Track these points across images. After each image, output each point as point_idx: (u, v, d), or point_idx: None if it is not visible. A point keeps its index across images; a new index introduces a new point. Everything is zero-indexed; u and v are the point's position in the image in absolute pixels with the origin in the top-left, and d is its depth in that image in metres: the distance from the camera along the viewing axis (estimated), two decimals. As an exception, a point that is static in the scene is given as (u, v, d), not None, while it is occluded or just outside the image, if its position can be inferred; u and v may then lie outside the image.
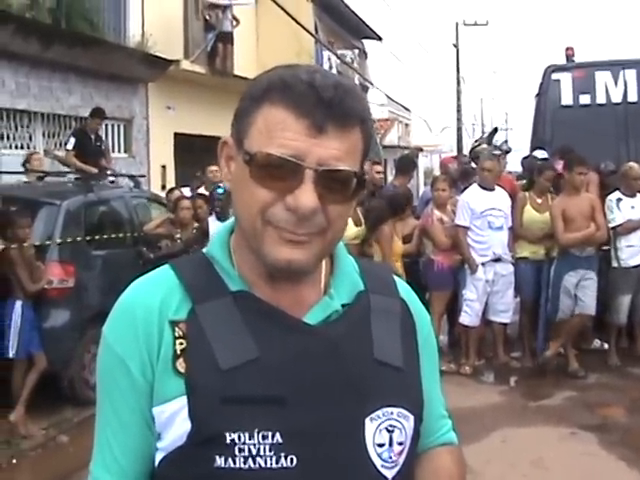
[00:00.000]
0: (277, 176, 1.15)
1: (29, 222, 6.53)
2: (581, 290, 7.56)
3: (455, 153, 24.46)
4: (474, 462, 5.28)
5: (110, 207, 8.25)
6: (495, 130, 11.53)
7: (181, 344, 1.19)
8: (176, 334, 1.20)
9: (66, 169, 9.72)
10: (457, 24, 34.09)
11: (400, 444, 1.24)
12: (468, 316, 7.89)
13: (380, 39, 28.12)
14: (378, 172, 8.93)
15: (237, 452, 1.13)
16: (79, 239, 7.11)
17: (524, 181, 9.26)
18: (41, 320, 6.54)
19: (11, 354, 6.27)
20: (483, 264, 7.77)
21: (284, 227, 1.16)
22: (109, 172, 9.75)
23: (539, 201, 8.03)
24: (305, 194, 1.14)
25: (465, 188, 8.32)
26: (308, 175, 1.14)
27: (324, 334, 1.22)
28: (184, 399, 1.17)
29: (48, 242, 6.81)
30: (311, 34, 17.35)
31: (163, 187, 13.87)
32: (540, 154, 9.05)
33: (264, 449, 1.14)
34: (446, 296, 7.98)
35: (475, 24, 34.76)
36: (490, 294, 7.88)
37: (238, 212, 1.23)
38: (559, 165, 8.20)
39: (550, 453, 5.61)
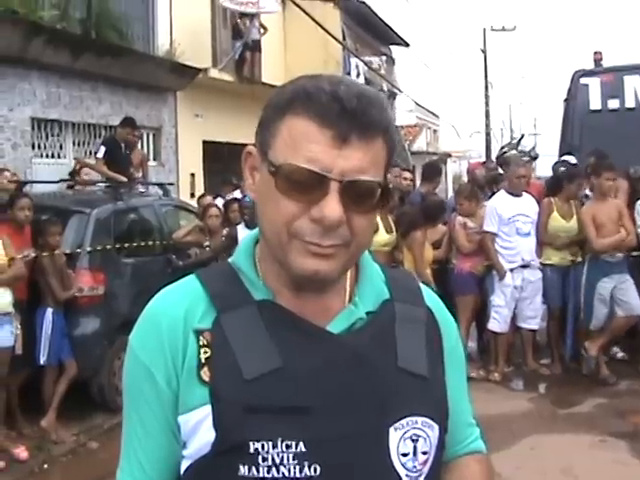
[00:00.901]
0: (302, 188, 1.15)
1: (60, 230, 6.60)
2: (621, 293, 7.45)
3: (483, 159, 24.34)
4: (503, 469, 5.26)
5: (139, 215, 8.31)
6: (522, 137, 11.47)
7: (205, 353, 1.21)
8: (201, 343, 1.22)
9: (97, 178, 9.83)
10: (484, 29, 33.96)
11: (424, 453, 1.24)
12: (497, 322, 7.86)
13: (407, 45, 28.04)
14: (406, 179, 8.92)
15: (261, 461, 1.15)
16: (109, 247, 7.17)
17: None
18: (71, 327, 6.60)
19: (42, 361, 6.33)
20: (511, 270, 7.73)
21: (310, 240, 1.16)
22: (138, 181, 9.82)
23: (565, 207, 7.97)
24: (330, 205, 1.14)
25: (492, 194, 8.29)
26: (333, 187, 1.15)
27: (348, 343, 1.22)
28: (208, 408, 1.18)
29: (78, 250, 6.88)
30: (338, 41, 17.39)
31: (192, 195, 13.95)
32: (569, 160, 8.98)
33: (288, 458, 1.15)
34: (470, 301, 7.93)
35: (503, 29, 34.61)
36: (518, 300, 7.84)
37: (263, 223, 1.23)
38: None
39: (580, 461, 5.56)
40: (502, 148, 11.68)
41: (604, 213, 7.50)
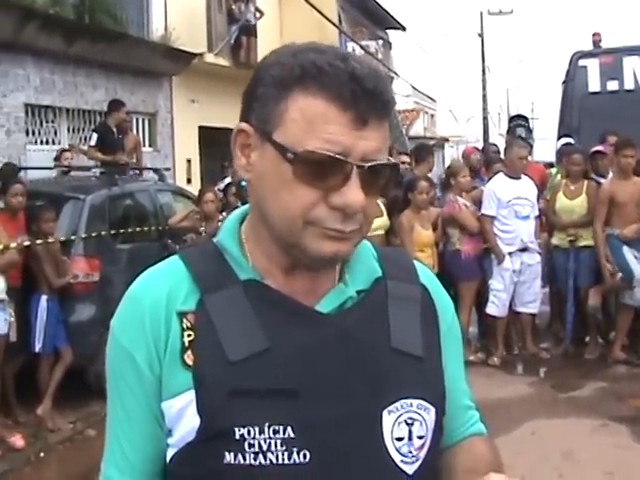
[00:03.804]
0: (322, 174, 1.09)
1: (54, 217, 6.54)
2: None
3: (481, 143, 24.25)
4: (504, 454, 5.11)
5: (135, 200, 8.26)
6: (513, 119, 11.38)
7: (189, 336, 1.15)
8: (184, 325, 1.16)
9: (91, 163, 9.77)
10: (482, 13, 33.76)
11: (420, 438, 1.18)
12: (495, 306, 7.81)
13: (404, 29, 27.95)
14: (404, 162, 8.83)
15: (247, 448, 1.09)
16: (104, 233, 7.11)
17: (552, 169, 9.16)
18: (67, 314, 6.55)
19: (37, 348, 6.29)
20: (510, 254, 7.67)
21: (330, 226, 1.11)
22: (132, 166, 9.77)
23: (572, 188, 7.87)
24: (353, 191, 1.10)
25: (490, 177, 8.22)
26: (355, 172, 1.10)
27: (337, 322, 1.17)
28: (192, 393, 1.12)
29: (73, 237, 6.82)
30: (335, 25, 17.30)
31: (188, 181, 13.89)
32: (566, 141, 8.92)
33: (275, 444, 1.09)
34: (475, 286, 7.89)
35: (500, 13, 34.40)
36: (517, 284, 7.79)
37: (266, 208, 1.16)
38: (604, 148, 8.05)
39: (581, 445, 5.52)
40: (510, 121, 11.59)
41: (625, 192, 7.37)
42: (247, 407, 1.10)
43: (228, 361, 1.11)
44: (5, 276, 5.92)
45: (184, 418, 1.13)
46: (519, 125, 10.33)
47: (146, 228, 7.91)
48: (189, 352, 1.14)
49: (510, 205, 7.65)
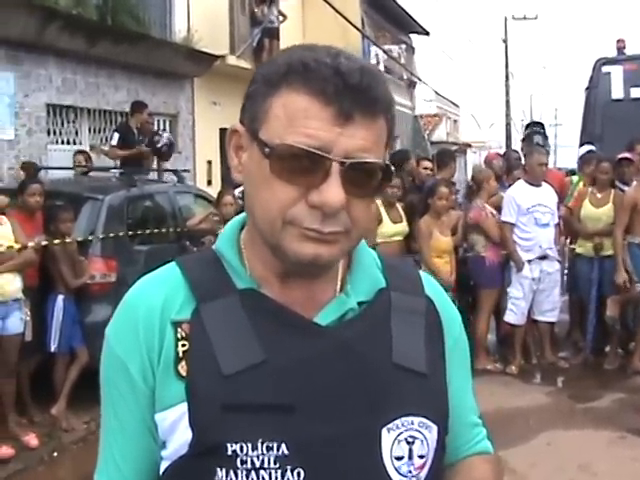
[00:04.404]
0: (300, 170, 1.05)
1: (71, 217, 6.56)
2: None
3: (504, 149, 24.11)
4: (519, 465, 5.16)
5: (153, 202, 8.27)
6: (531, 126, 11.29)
7: (183, 346, 1.11)
8: (179, 335, 1.12)
9: (111, 164, 9.81)
10: (506, 18, 33.64)
11: (421, 457, 1.14)
12: (514, 314, 7.74)
13: (427, 34, 27.88)
14: (426, 168, 8.76)
15: (239, 464, 1.05)
16: (121, 234, 7.11)
17: (574, 177, 9.07)
18: (83, 315, 6.55)
19: (53, 348, 6.30)
20: (529, 261, 7.59)
21: (308, 226, 1.06)
22: (152, 169, 9.81)
23: (599, 196, 7.78)
24: (332, 189, 1.04)
25: (510, 184, 8.15)
26: (335, 168, 1.05)
27: (337, 335, 1.12)
28: (185, 406, 1.09)
29: (91, 237, 6.82)
30: (358, 29, 17.26)
31: (209, 182, 13.89)
32: (588, 149, 8.83)
33: (268, 461, 1.05)
34: (496, 294, 7.82)
35: (524, 18, 34.26)
36: (536, 292, 7.70)
37: (253, 209, 1.13)
38: (632, 155, 7.96)
39: (598, 457, 5.43)
40: (526, 128, 11.53)
41: None
42: (240, 422, 1.06)
43: (222, 374, 1.07)
44: (22, 275, 5.94)
45: (177, 431, 1.10)
46: (536, 132, 10.26)
47: (164, 230, 7.90)
48: (183, 363, 1.10)
49: (530, 212, 7.57)
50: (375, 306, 1.18)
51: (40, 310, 6.29)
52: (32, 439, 5.92)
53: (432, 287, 1.29)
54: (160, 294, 1.16)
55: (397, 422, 1.11)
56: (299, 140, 1.04)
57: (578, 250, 7.98)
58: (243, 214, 1.24)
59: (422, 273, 1.30)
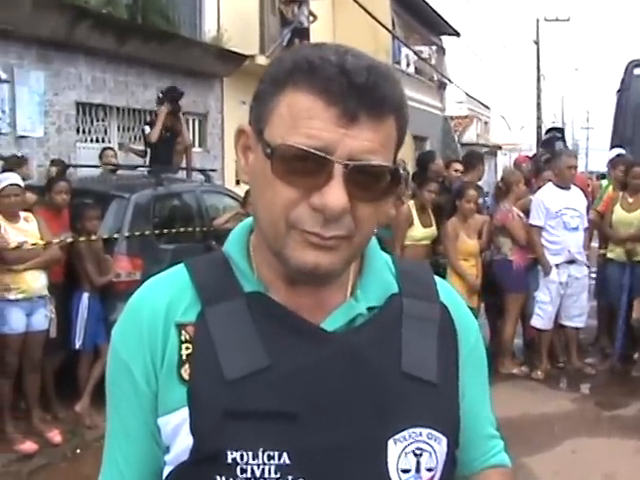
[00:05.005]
0: (302, 171, 1.02)
1: (98, 215, 6.58)
2: None
3: (534, 152, 23.95)
4: (542, 473, 5.09)
5: (180, 201, 8.28)
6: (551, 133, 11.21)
7: (187, 349, 1.09)
8: (182, 338, 1.10)
9: (139, 162, 9.83)
10: (538, 20, 33.43)
11: (429, 470, 1.10)
12: (540, 319, 7.65)
13: (458, 35, 27.72)
14: (457, 170, 8.69)
15: (239, 473, 1.02)
16: (147, 233, 7.12)
17: (604, 180, 8.97)
18: (108, 312, 6.54)
19: (77, 345, 6.33)
20: (557, 266, 7.50)
21: (310, 230, 1.03)
22: (180, 167, 9.83)
23: (631, 200, 7.68)
24: (334, 192, 1.01)
25: (540, 187, 8.07)
26: (337, 170, 1.01)
27: (344, 341, 1.09)
28: (187, 410, 1.06)
29: (116, 235, 6.84)
30: (388, 30, 17.22)
31: (237, 182, 13.91)
32: (618, 152, 8.72)
33: (269, 471, 1.02)
34: (523, 298, 7.75)
35: (556, 20, 34.04)
36: (563, 297, 7.61)
37: (258, 211, 1.10)
38: None
39: (624, 467, 5.33)
40: (546, 133, 11.45)
41: None
42: (241, 429, 1.03)
43: (224, 379, 1.05)
44: (47, 273, 5.96)
45: (179, 436, 1.07)
46: (557, 138, 10.17)
47: (190, 229, 7.90)
48: (186, 366, 1.08)
49: (559, 215, 7.48)
50: (385, 312, 1.14)
51: (65, 307, 6.31)
52: (55, 435, 5.95)
53: (448, 293, 1.24)
54: (165, 296, 1.14)
55: (404, 433, 1.08)
56: (301, 141, 1.01)
57: (609, 255, 7.87)
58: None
59: (438, 279, 1.26)
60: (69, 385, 6.36)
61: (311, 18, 15.51)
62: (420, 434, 1.09)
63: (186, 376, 1.08)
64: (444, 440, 1.11)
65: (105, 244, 6.66)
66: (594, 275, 8.51)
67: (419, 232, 7.36)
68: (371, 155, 1.02)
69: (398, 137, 1.09)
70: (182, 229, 7.73)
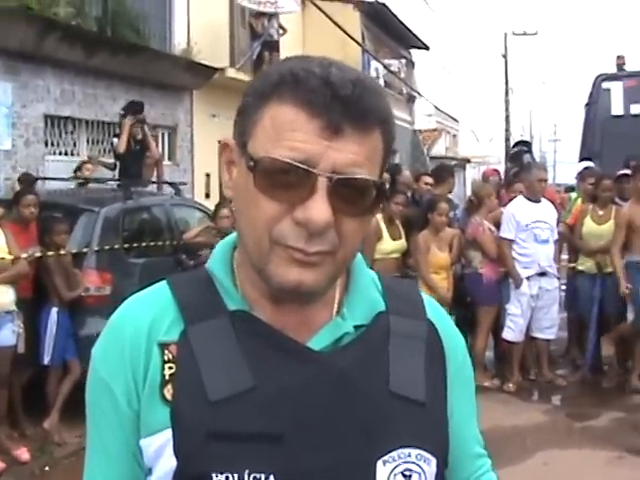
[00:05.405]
0: (285, 185, 0.99)
1: (66, 229, 6.50)
2: None
3: (503, 165, 24.12)
4: (515, 485, 5.08)
5: (150, 214, 8.22)
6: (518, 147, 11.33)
7: (170, 369, 1.06)
8: (165, 357, 1.07)
9: (109, 175, 9.75)
10: (506, 34, 33.77)
11: None
12: (512, 331, 7.68)
13: (427, 49, 27.91)
14: (427, 183, 8.71)
15: None
16: (117, 246, 7.06)
17: (573, 193, 9.05)
18: (77, 327, 6.49)
19: (46, 361, 6.24)
20: (528, 278, 7.54)
21: (293, 245, 1.00)
22: (150, 180, 9.76)
23: (601, 213, 7.74)
24: (317, 206, 0.98)
25: (510, 200, 8.11)
26: (321, 184, 0.99)
27: (330, 361, 1.06)
28: (170, 432, 1.03)
29: (86, 249, 6.77)
30: (358, 43, 17.28)
31: (207, 195, 13.86)
32: (586, 165, 8.81)
33: None
34: (494, 311, 7.77)
35: (524, 34, 34.43)
36: (534, 309, 7.65)
37: (241, 227, 1.08)
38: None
39: (596, 478, 5.36)
40: (514, 146, 11.56)
41: None
42: (226, 451, 1.01)
43: (208, 400, 1.02)
44: (15, 287, 5.88)
45: (162, 457, 1.05)
46: (524, 151, 10.28)
47: (160, 242, 7.85)
48: (169, 386, 1.05)
49: (529, 228, 7.53)
50: (372, 330, 1.12)
51: (34, 322, 6.23)
52: (23, 453, 5.85)
53: (435, 311, 1.23)
54: (148, 314, 1.11)
55: (393, 454, 1.06)
56: (283, 153, 0.99)
57: (580, 267, 7.94)
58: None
59: (425, 296, 1.24)
60: (37, 401, 6.26)
61: (281, 31, 15.55)
62: (409, 455, 1.07)
63: (169, 396, 1.05)
64: (433, 461, 1.10)
65: (74, 258, 6.59)
66: (564, 287, 8.56)
67: (388, 245, 7.35)
68: (356, 168, 1.01)
69: (384, 151, 1.07)
70: (152, 243, 7.68)
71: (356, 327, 1.11)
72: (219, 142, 14.55)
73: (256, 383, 1.03)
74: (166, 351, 1.07)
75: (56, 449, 6.12)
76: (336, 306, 1.13)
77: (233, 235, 1.18)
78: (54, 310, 6.28)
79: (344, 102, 0.99)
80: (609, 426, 6.62)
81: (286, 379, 1.04)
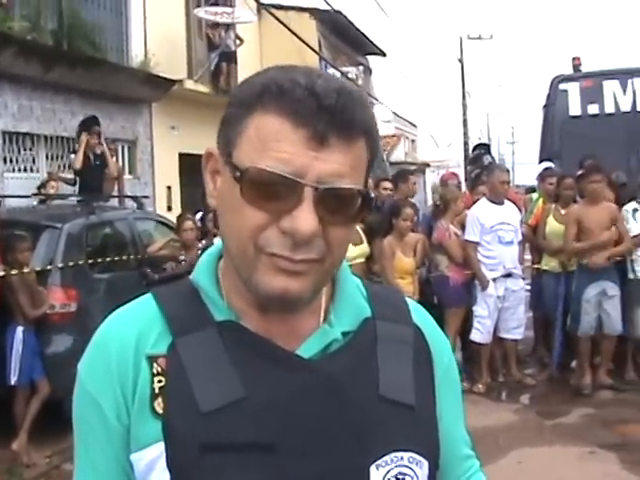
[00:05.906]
0: (271, 195, 0.99)
1: (29, 246, 6.41)
2: (605, 309, 7.35)
3: (462, 168, 24.35)
4: (490, 485, 5.10)
5: (113, 229, 8.16)
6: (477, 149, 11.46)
7: (160, 382, 1.05)
8: (154, 370, 1.06)
9: (69, 191, 9.66)
10: (461, 38, 34.11)
11: None
12: (479, 333, 7.73)
13: (384, 55, 28.07)
14: (386, 189, 8.78)
15: None
16: (81, 262, 6.98)
17: (534, 194, 9.15)
18: (43, 346, 6.40)
19: (13, 381, 6.13)
20: (494, 280, 7.61)
21: (279, 253, 1.00)
22: (111, 195, 9.70)
23: (563, 212, 7.82)
24: (304, 216, 0.99)
25: (474, 202, 8.18)
26: (308, 194, 0.99)
27: (320, 368, 1.06)
28: (162, 445, 1.02)
29: (49, 266, 6.68)
30: (315, 51, 17.31)
31: (169, 208, 13.79)
32: (547, 165, 8.92)
33: None
34: (462, 313, 7.82)
35: (479, 38, 34.81)
36: (501, 310, 7.72)
37: (226, 236, 1.07)
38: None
39: (569, 474, 5.41)
40: (474, 149, 11.66)
41: (592, 217, 7.31)
42: (219, 463, 1.00)
43: (200, 411, 1.02)
44: (-21, 307, 5.79)
45: (154, 471, 1.04)
46: (484, 154, 10.39)
47: (124, 257, 7.79)
48: (159, 399, 1.04)
49: (494, 230, 7.59)
50: (360, 336, 1.12)
51: (-1, 342, 6.13)
52: (-8, 476, 5.76)
53: (420, 315, 1.24)
54: (134, 327, 1.10)
55: (386, 458, 1.06)
56: (270, 164, 0.99)
57: (544, 267, 8.02)
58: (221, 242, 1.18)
59: (410, 301, 1.25)
60: (5, 422, 6.15)
61: (238, 42, 15.57)
62: (402, 458, 1.07)
63: (160, 410, 1.04)
64: (425, 464, 1.10)
65: (38, 276, 6.50)
66: (528, 287, 8.65)
67: (351, 251, 7.34)
68: (341, 178, 1.01)
69: (369, 160, 1.07)
70: (116, 257, 7.63)
71: (343, 334, 1.11)
72: (184, 154, 14.51)
73: (247, 393, 1.02)
74: (155, 364, 1.06)
75: (25, 471, 6.02)
76: (323, 313, 1.13)
77: (218, 245, 1.18)
78: (19, 329, 6.19)
79: (329, 112, 0.99)
80: (579, 422, 6.69)
81: (276, 388, 1.03)
